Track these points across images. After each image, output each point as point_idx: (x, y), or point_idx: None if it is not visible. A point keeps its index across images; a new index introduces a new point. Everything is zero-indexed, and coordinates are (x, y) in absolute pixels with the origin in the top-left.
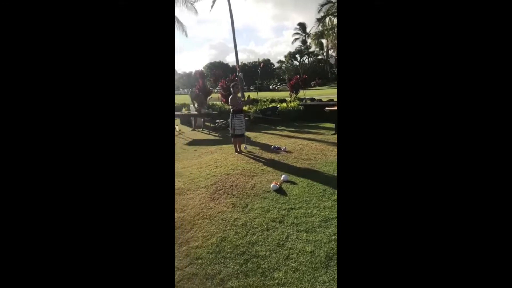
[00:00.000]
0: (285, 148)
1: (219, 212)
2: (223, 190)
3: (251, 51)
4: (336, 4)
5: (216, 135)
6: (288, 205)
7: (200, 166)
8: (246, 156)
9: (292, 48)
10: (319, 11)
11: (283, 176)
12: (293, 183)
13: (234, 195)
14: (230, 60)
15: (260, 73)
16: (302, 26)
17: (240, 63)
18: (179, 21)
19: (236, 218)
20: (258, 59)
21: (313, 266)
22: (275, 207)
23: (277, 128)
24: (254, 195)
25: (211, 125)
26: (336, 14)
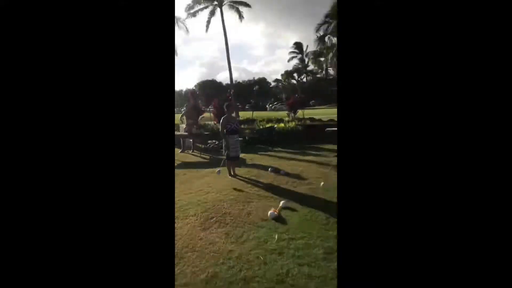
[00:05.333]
0: (284, 171)
1: (210, 244)
2: (215, 218)
3: (244, 70)
4: (334, 24)
5: (208, 157)
6: (288, 235)
7: (189, 191)
8: (241, 180)
9: (287, 67)
10: (317, 30)
11: (282, 202)
12: (293, 210)
13: (227, 224)
14: (222, 78)
15: (256, 92)
16: (298, 45)
17: (234, 81)
18: None
19: (230, 250)
20: (254, 77)
21: None
22: (273, 237)
23: (274, 149)
24: (250, 224)
25: (202, 146)
26: (334, 33)
